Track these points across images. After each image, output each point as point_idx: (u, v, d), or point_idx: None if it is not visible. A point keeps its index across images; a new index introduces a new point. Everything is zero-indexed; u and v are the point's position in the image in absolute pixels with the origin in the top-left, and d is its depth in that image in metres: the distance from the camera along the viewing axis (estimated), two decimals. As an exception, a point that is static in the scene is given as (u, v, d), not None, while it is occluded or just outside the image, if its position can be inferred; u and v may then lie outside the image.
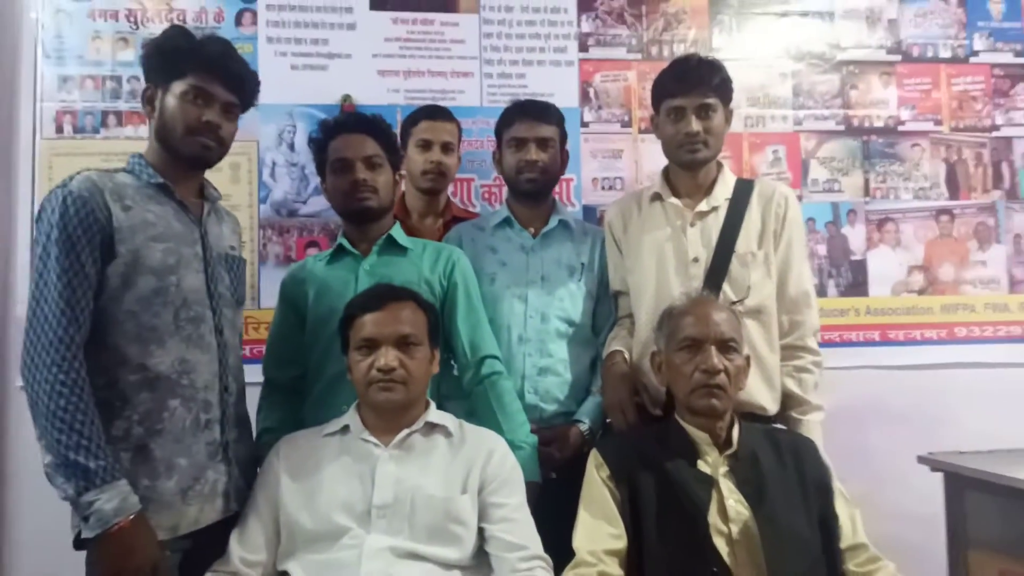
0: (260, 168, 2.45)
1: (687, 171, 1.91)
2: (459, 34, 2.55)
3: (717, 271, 1.82)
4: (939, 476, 2.19)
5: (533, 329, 1.94)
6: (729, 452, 1.55)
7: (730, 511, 1.47)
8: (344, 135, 1.85)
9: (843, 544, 1.49)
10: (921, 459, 2.13)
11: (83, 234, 1.42)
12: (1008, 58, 2.78)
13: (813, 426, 1.80)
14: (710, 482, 1.50)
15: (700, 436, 1.56)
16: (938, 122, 2.74)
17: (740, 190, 1.90)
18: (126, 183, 1.52)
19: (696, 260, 1.85)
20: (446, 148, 2.18)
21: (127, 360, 1.45)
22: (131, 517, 1.36)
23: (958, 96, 2.76)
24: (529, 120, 2.00)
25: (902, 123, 2.73)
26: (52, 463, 1.36)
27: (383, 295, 1.62)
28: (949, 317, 2.69)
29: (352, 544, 1.46)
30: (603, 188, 2.59)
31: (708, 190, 1.91)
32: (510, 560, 1.47)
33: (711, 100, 1.84)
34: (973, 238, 2.73)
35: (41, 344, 1.37)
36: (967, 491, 2.03)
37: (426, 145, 2.16)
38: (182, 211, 1.57)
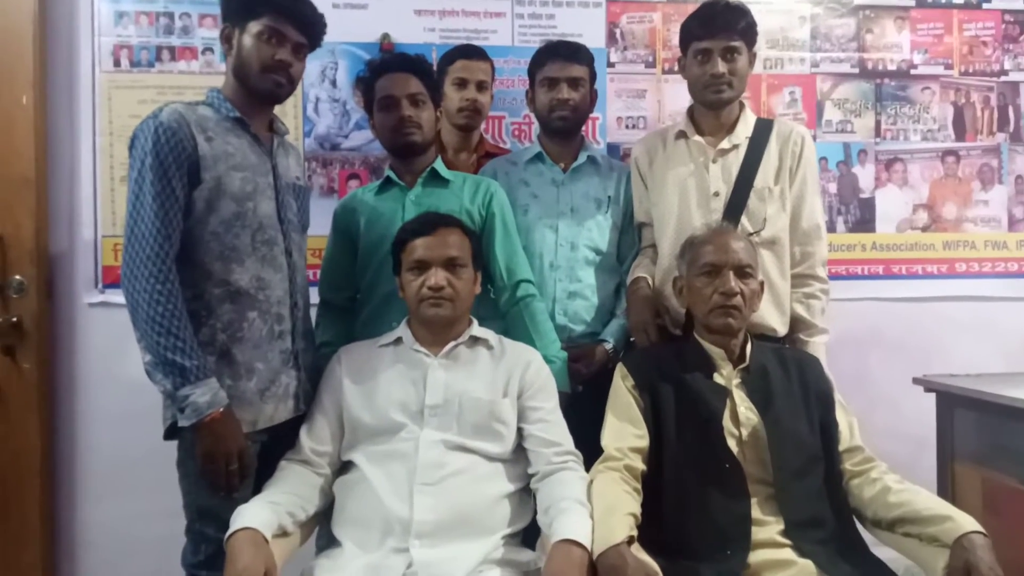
0: (304, 103, 2.60)
1: (711, 110, 2.05)
2: (494, -27, 2.66)
3: (736, 204, 1.99)
4: (931, 399, 2.40)
5: (563, 257, 2.12)
6: (742, 366, 1.74)
7: (741, 417, 1.67)
8: (389, 74, 2.00)
9: (841, 447, 1.69)
10: (916, 380, 2.33)
11: (173, 161, 1.59)
12: (1019, 4, 2.87)
13: (818, 347, 1.98)
14: (724, 392, 1.70)
15: (716, 352, 1.75)
16: (948, 66, 2.85)
17: (760, 129, 2.05)
18: (207, 116, 1.68)
19: (717, 194, 2.01)
20: (480, 86, 2.31)
21: (211, 275, 1.64)
22: (221, 410, 1.57)
23: (969, 41, 2.86)
24: (561, 60, 2.13)
25: (914, 67, 2.84)
26: (152, 362, 1.56)
27: (433, 221, 1.79)
28: (950, 253, 2.86)
29: (408, 437, 1.66)
30: (627, 127, 2.72)
31: (730, 129, 2.05)
32: (546, 454, 1.68)
33: (736, 43, 1.97)
34: (976, 179, 2.87)
35: (140, 258, 1.55)
36: (956, 409, 2.23)
37: (462, 83, 2.30)
38: (256, 143, 1.74)
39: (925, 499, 1.54)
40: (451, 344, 1.77)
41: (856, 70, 2.81)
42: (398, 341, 1.80)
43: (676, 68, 2.68)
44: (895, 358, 2.75)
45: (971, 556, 1.36)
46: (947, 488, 2.24)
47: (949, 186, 2.86)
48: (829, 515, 1.61)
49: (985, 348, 2.79)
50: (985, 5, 2.86)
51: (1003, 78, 2.87)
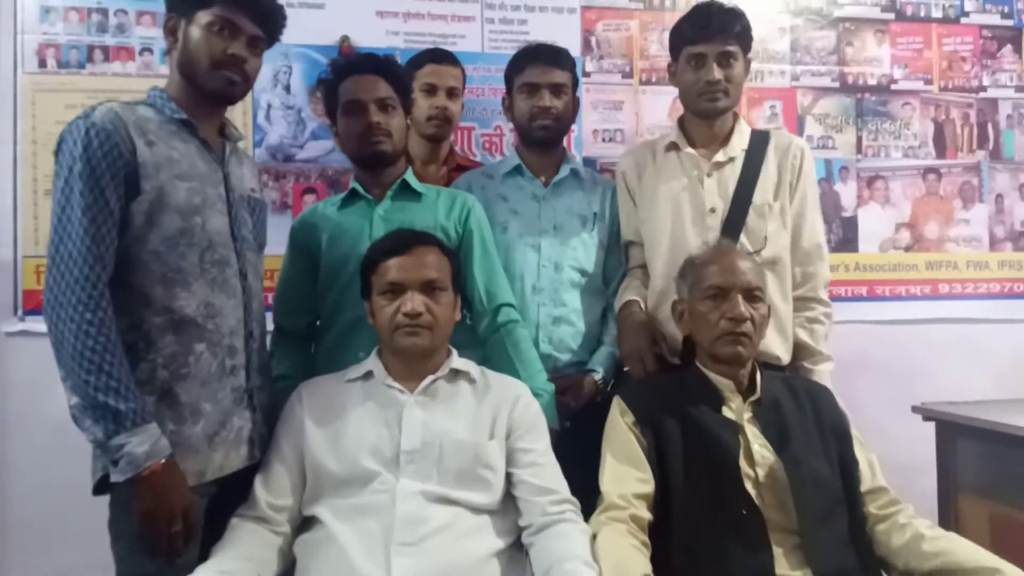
0: (255, 110, 2.37)
1: (704, 120, 1.90)
2: (460, -24, 2.49)
3: (734, 222, 1.83)
4: (921, 425, 2.28)
5: (547, 279, 1.94)
6: (753, 399, 1.57)
7: (756, 455, 1.50)
8: (356, 76, 1.79)
9: (863, 488, 1.53)
10: (915, 409, 2.21)
11: (107, 168, 1.36)
12: (996, 20, 2.83)
13: (823, 376, 1.84)
14: (736, 428, 1.53)
15: (724, 383, 1.58)
16: (928, 81, 2.79)
17: (756, 141, 1.91)
18: (148, 117, 1.45)
19: (713, 211, 1.85)
20: (451, 93, 2.13)
21: (151, 302, 1.40)
22: (162, 461, 1.33)
23: (948, 56, 2.80)
24: (542, 65, 1.96)
25: (894, 81, 2.77)
26: (79, 405, 1.32)
27: (408, 239, 1.59)
28: (933, 274, 2.77)
29: (383, 489, 1.44)
30: (604, 140, 2.57)
31: (724, 140, 1.91)
32: (540, 504, 1.48)
33: (732, 48, 1.83)
34: (958, 197, 2.80)
35: (66, 282, 1.31)
36: (959, 439, 2.11)
37: (431, 90, 2.11)
38: (205, 150, 1.52)
39: (966, 548, 1.39)
40: (429, 379, 1.56)
41: (837, 84, 2.72)
42: (368, 375, 1.59)
43: (654, 79, 2.56)
44: (882, 383, 2.64)
45: (1029, 614, 1.21)
46: (950, 522, 2.12)
47: (931, 204, 2.78)
48: (856, 566, 1.45)
49: (973, 371, 2.70)
50: (963, 20, 2.81)
51: (982, 94, 2.82)
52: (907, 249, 2.76)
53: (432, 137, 2.13)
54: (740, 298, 1.56)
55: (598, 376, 1.90)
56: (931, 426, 2.25)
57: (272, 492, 1.48)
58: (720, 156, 1.88)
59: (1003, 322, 2.82)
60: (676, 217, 1.87)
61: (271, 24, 1.56)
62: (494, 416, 1.55)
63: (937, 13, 2.79)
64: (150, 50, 2.30)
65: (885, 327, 2.74)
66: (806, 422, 1.57)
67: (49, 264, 1.35)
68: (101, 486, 1.39)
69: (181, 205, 1.43)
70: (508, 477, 1.53)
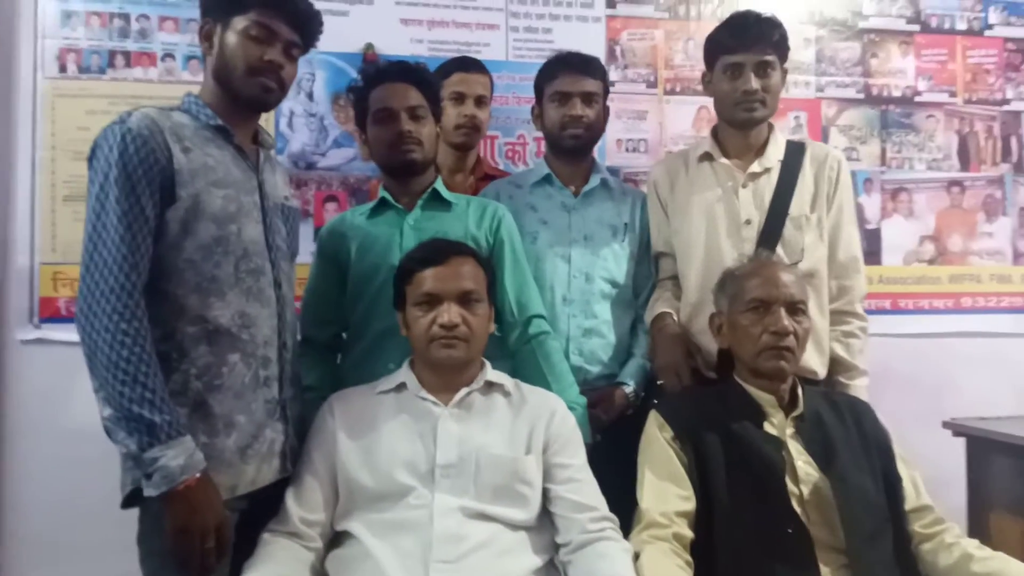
0: (277, 118, 2.34)
1: (739, 130, 1.88)
2: (485, -16, 2.47)
3: (771, 234, 1.80)
4: (943, 439, 2.25)
5: (577, 290, 1.90)
6: (795, 414, 1.54)
7: (800, 472, 1.47)
8: (387, 84, 1.77)
9: (907, 506, 1.50)
10: (945, 424, 2.18)
11: (143, 175, 1.33)
12: (1020, 32, 2.81)
13: (859, 391, 1.81)
14: (779, 444, 1.50)
15: (765, 398, 1.55)
16: (952, 94, 2.77)
17: (792, 152, 1.88)
18: (183, 123, 1.43)
19: (748, 222, 1.82)
20: (480, 102, 2.11)
21: (185, 311, 1.37)
22: (197, 475, 1.29)
23: (972, 68, 2.78)
24: (574, 74, 1.93)
25: (919, 93, 2.75)
26: (113, 416, 1.28)
27: (444, 249, 1.56)
28: (956, 287, 2.75)
29: (418, 504, 1.41)
30: (627, 150, 2.55)
31: (760, 151, 1.88)
32: (580, 521, 1.44)
33: (770, 57, 1.81)
34: (981, 210, 2.78)
35: (100, 291, 1.28)
36: (991, 454, 2.08)
37: (459, 98, 2.09)
38: (240, 157, 1.49)
39: (1017, 569, 1.35)
40: (463, 391, 1.53)
41: (861, 95, 2.70)
42: (401, 387, 1.55)
43: (678, 89, 2.54)
44: (906, 396, 2.58)
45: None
46: (982, 538, 2.06)
47: (955, 217, 2.76)
48: (901, 587, 1.41)
49: (998, 386, 2.67)
50: (987, 32, 2.79)
51: (1005, 107, 2.80)
52: (931, 262, 2.73)
53: (460, 146, 2.10)
54: (783, 311, 1.53)
55: (629, 389, 1.87)
56: (959, 441, 2.22)
57: (304, 507, 1.44)
58: (756, 167, 1.86)
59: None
60: (710, 228, 1.85)
61: (308, 30, 1.53)
62: (531, 430, 1.52)
63: (962, 25, 2.77)
64: (172, 56, 2.28)
65: (908, 340, 2.70)
66: (850, 438, 1.54)
67: (83, 272, 1.32)
68: (130, 499, 1.35)
69: (217, 213, 1.40)
70: (544, 493, 1.49)
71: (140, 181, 1.33)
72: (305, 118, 2.36)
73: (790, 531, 1.40)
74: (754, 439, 1.50)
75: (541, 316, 1.78)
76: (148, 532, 1.35)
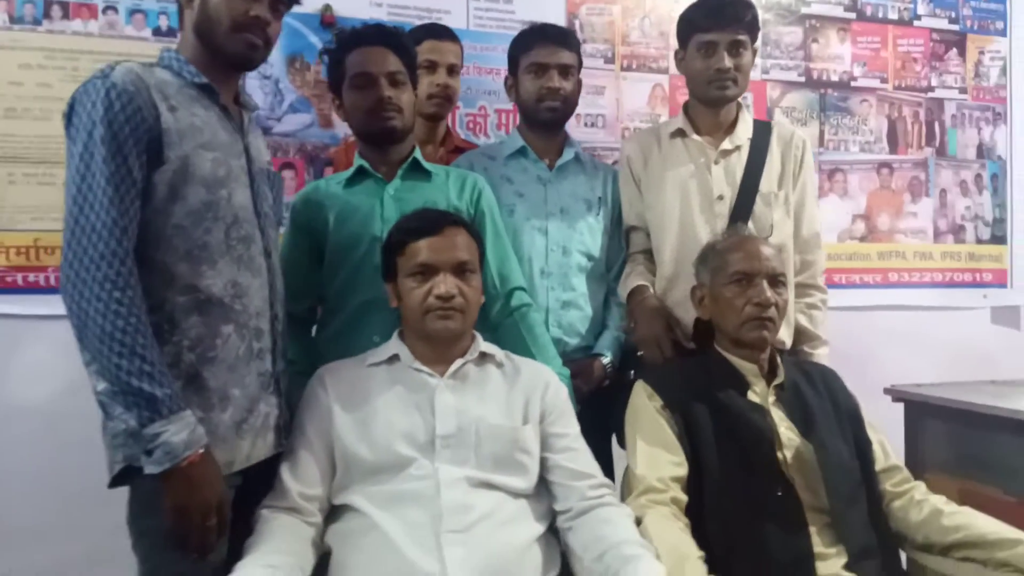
0: (230, 80, 2.23)
1: (711, 108, 1.92)
2: (445, -51, 2.42)
3: (742, 209, 1.87)
4: (878, 405, 2.40)
5: (555, 263, 1.92)
6: (776, 382, 1.61)
7: (783, 438, 1.53)
8: (365, 48, 1.71)
9: (878, 467, 1.60)
10: (886, 390, 2.32)
11: (130, 133, 1.25)
12: (944, 24, 2.99)
13: (822, 359, 1.91)
14: (763, 412, 1.56)
15: (748, 368, 1.61)
16: (884, 80, 2.92)
17: (760, 131, 1.94)
18: (166, 80, 1.34)
19: (721, 198, 1.88)
20: (452, 70, 2.07)
21: (175, 280, 1.30)
22: (200, 451, 1.24)
23: (902, 56, 2.95)
24: (551, 45, 1.93)
25: (854, 79, 2.89)
26: (108, 391, 1.21)
27: (438, 219, 1.53)
28: (884, 263, 2.92)
29: (421, 475, 1.40)
30: (586, 125, 2.56)
31: (729, 129, 1.94)
32: (579, 488, 1.46)
33: (743, 37, 1.85)
34: (907, 191, 2.95)
35: (89, 257, 1.20)
36: (926, 419, 2.24)
37: (431, 66, 2.04)
38: (225, 118, 1.41)
39: (986, 522, 1.46)
40: (458, 362, 1.52)
41: (803, 79, 2.82)
42: (393, 359, 1.53)
43: (634, 66, 2.58)
44: (841, 366, 2.71)
45: (1056, 582, 1.30)
46: (918, 498, 2.23)
47: (883, 197, 2.93)
48: (877, 543, 1.51)
49: (917, 357, 2.86)
50: (916, 23, 2.95)
51: (930, 94, 2.97)
52: (862, 239, 2.89)
53: (432, 116, 2.06)
54: (765, 283, 1.59)
55: (606, 360, 1.91)
56: (896, 408, 2.37)
57: (302, 481, 1.41)
58: (727, 144, 1.91)
59: (944, 309, 3.00)
60: (684, 203, 1.89)
61: None
62: (526, 401, 1.53)
63: (893, 15, 2.93)
64: (114, 8, 2.13)
65: (842, 313, 2.84)
66: (824, 405, 1.62)
67: (67, 238, 1.23)
68: (120, 478, 1.28)
69: (207, 176, 1.33)
70: (542, 462, 1.50)
71: (127, 141, 1.24)
72: (259, 81, 2.26)
73: (779, 494, 1.47)
74: (741, 407, 1.56)
75: (522, 288, 1.79)
76: (141, 512, 1.28)
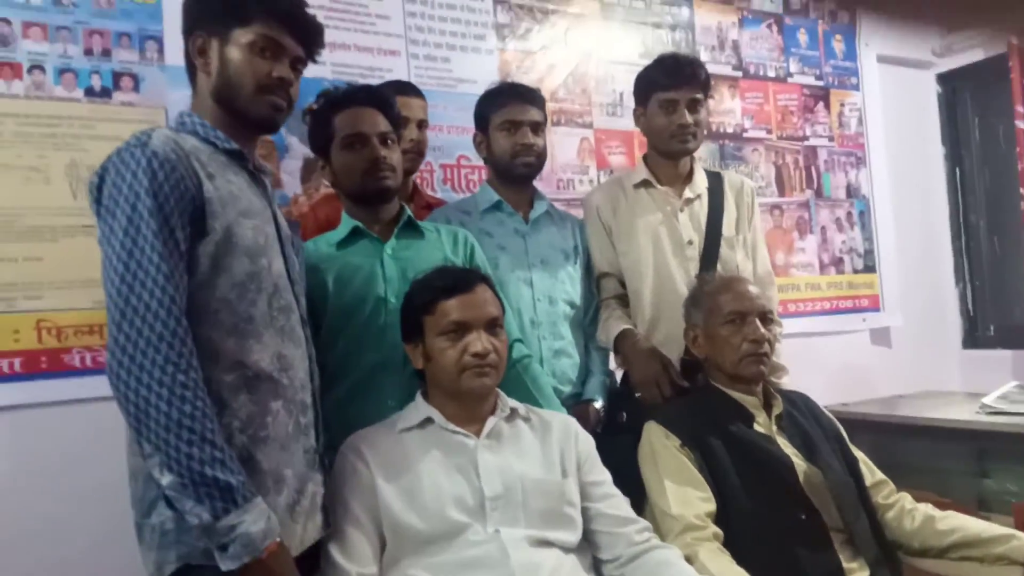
0: (171, 140, 2.09)
1: (670, 160, 2.06)
2: (383, 9, 2.42)
3: (710, 253, 2.00)
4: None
5: (543, 312, 1.95)
6: (777, 412, 1.73)
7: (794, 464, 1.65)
8: (355, 108, 1.70)
9: (868, 483, 1.74)
10: (821, 410, 2.53)
11: (175, 205, 1.17)
12: (811, 80, 3.37)
13: (786, 386, 2.05)
14: (772, 441, 1.67)
15: (749, 401, 1.72)
16: (769, 131, 3.23)
17: (713, 180, 2.10)
18: (197, 147, 1.26)
19: (691, 243, 2.01)
20: (421, 125, 2.07)
21: (221, 356, 1.21)
22: (277, 539, 1.15)
23: (781, 110, 3.28)
24: (522, 103, 1.99)
25: (745, 130, 3.17)
26: (175, 484, 1.10)
27: (468, 276, 1.53)
28: (783, 295, 3.18)
29: (481, 540, 1.37)
30: (521, 177, 2.63)
31: (687, 179, 2.08)
32: (626, 534, 1.49)
33: (699, 95, 2.01)
34: (795, 229, 3.26)
35: (146, 340, 1.10)
36: (855, 435, 2.45)
37: (402, 122, 2.03)
38: (254, 183, 1.34)
39: (975, 522, 1.64)
40: (492, 420, 1.51)
41: (705, 131, 3.04)
42: (425, 422, 1.49)
43: (563, 120, 2.69)
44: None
45: (1050, 567, 1.48)
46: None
47: (777, 236, 3.21)
48: (881, 553, 1.64)
49: (812, 379, 3.11)
50: (790, 79, 3.30)
51: (806, 142, 3.32)
52: (763, 275, 3.14)
53: (405, 171, 2.03)
54: (758, 321, 1.72)
55: (599, 405, 1.95)
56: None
57: (357, 561, 1.34)
58: (688, 193, 2.05)
59: (831, 334, 3.32)
60: (657, 249, 2.00)
61: (313, 42, 1.43)
62: (561, 452, 1.54)
63: (772, 73, 3.26)
64: (41, 67, 1.94)
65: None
66: (815, 429, 1.76)
67: (117, 319, 1.12)
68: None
69: (249, 246, 1.26)
70: (583, 512, 1.52)
71: (173, 212, 1.16)
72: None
73: (803, 517, 1.57)
74: (753, 439, 1.66)
75: (520, 340, 1.80)
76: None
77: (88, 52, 1.99)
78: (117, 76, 2.02)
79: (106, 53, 2.01)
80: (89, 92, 1.99)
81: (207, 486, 1.09)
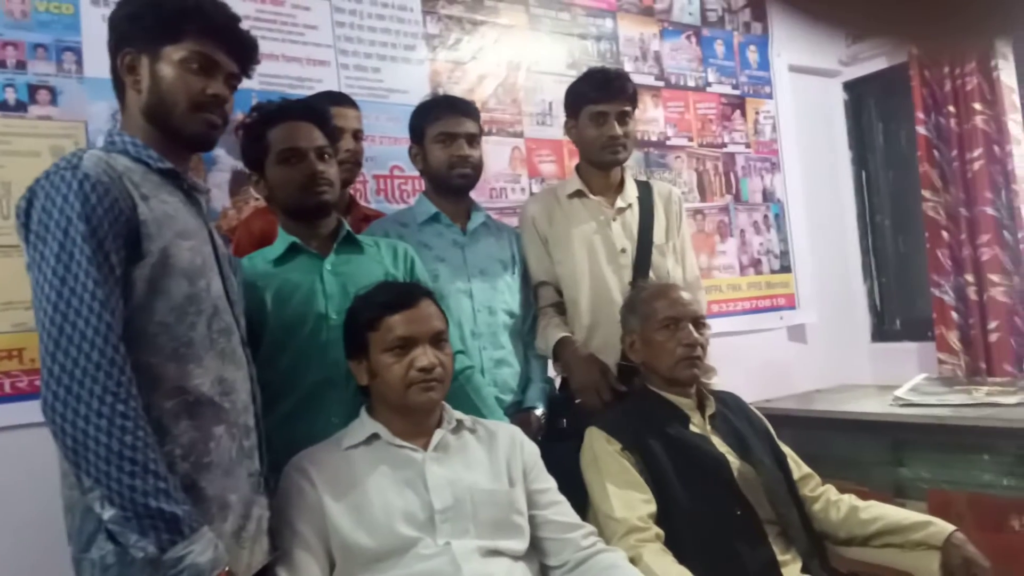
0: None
1: (602, 171, 2.11)
2: (311, 19, 2.39)
3: (643, 260, 2.06)
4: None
5: (483, 323, 1.97)
6: (710, 413, 1.80)
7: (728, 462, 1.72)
8: (290, 123, 1.68)
9: (796, 476, 1.83)
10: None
11: (109, 228, 1.15)
12: (728, 89, 3.50)
13: (716, 386, 2.12)
14: (707, 440, 1.74)
15: (685, 403, 1.79)
16: (690, 139, 3.34)
17: (643, 189, 2.17)
18: (130, 167, 1.23)
19: (624, 251, 2.06)
20: (356, 135, 2.06)
21: (160, 382, 1.19)
22: (226, 569, 1.13)
23: (701, 118, 3.39)
24: (458, 115, 2.01)
25: (668, 138, 3.27)
26: (118, 517, 1.08)
27: (411, 291, 1.54)
28: (707, 296, 3.28)
29: (431, 553, 1.38)
30: (454, 186, 2.64)
31: (618, 188, 2.14)
32: (573, 539, 1.52)
33: (629, 107, 2.07)
34: (716, 233, 3.38)
35: (82, 369, 1.07)
36: (781, 430, 2.56)
37: (338, 133, 2.02)
38: (189, 203, 1.32)
39: (895, 511, 1.74)
40: (439, 433, 1.53)
41: (634, 142, 3.12)
42: (372, 438, 1.49)
43: (494, 131, 2.72)
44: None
45: (965, 550, 1.58)
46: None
47: (700, 239, 3.32)
48: (811, 544, 1.73)
49: (734, 377, 3.23)
50: (708, 89, 3.42)
51: (724, 149, 3.45)
52: (688, 278, 3.25)
53: (342, 182, 2.02)
54: (691, 326, 1.79)
55: (540, 412, 1.98)
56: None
57: (307, 583, 1.32)
58: (620, 202, 2.11)
59: (751, 332, 3.45)
60: (592, 257, 2.05)
61: (247, 57, 1.41)
62: (507, 461, 1.56)
63: (692, 83, 3.36)
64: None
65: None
66: (746, 427, 1.84)
67: (51, 349, 1.09)
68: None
69: (187, 268, 1.24)
70: (530, 520, 1.54)
71: (107, 236, 1.14)
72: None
73: (739, 513, 1.64)
74: (689, 439, 1.72)
75: (462, 352, 1.82)
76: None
77: (2, 64, 1.90)
78: (33, 89, 1.94)
79: (21, 65, 1.93)
80: (3, 106, 1.90)
81: (152, 518, 1.07)
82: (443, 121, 1.99)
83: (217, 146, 2.15)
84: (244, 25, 2.02)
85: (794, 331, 3.64)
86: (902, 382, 2.92)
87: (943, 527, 1.64)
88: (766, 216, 3.56)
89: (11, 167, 1.88)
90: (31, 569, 1.75)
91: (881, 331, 3.87)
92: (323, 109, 1.75)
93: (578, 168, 2.17)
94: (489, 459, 1.55)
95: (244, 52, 1.39)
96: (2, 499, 1.81)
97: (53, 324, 1.08)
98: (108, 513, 1.08)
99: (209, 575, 1.10)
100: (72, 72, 2.00)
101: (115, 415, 1.07)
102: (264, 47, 2.20)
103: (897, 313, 3.85)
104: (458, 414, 1.60)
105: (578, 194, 2.11)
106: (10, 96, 1.91)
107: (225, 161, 2.21)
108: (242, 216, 2.17)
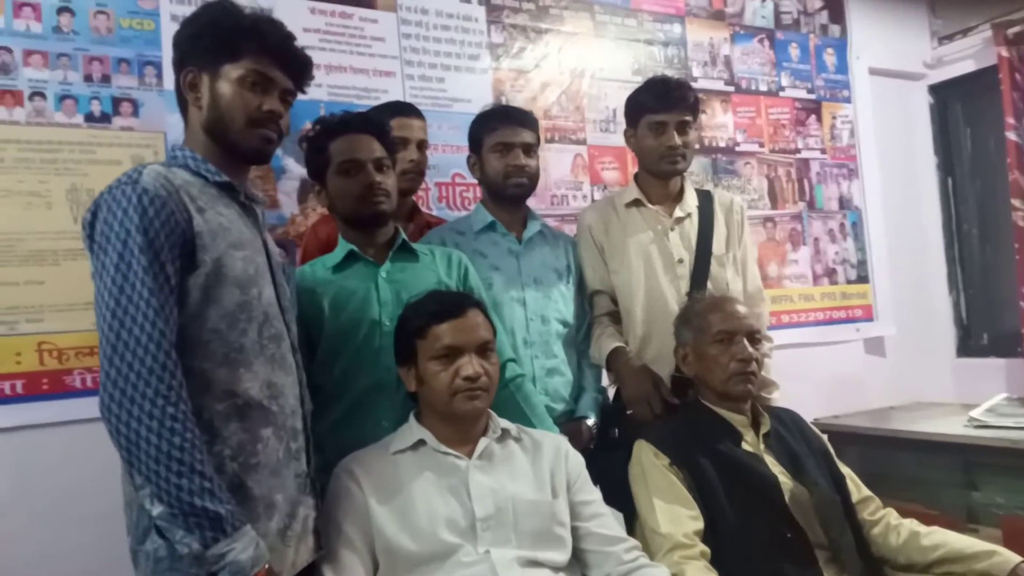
0: (169, 164, 2.13)
1: (661, 180, 2.09)
2: (378, 31, 2.46)
3: (701, 271, 2.03)
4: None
5: (536, 332, 1.98)
6: (764, 431, 1.76)
7: (780, 482, 1.68)
8: (350, 135, 1.73)
9: (855, 499, 1.77)
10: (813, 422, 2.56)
11: (165, 240, 1.20)
12: (803, 94, 3.40)
13: (776, 402, 2.08)
14: (760, 459, 1.70)
15: (737, 419, 1.75)
16: (761, 144, 3.27)
17: (703, 199, 2.13)
18: (188, 180, 1.30)
19: (681, 261, 2.04)
20: (420, 146, 2.10)
21: (211, 386, 1.25)
22: (266, 566, 1.18)
23: (773, 123, 3.31)
24: (515, 125, 2.02)
25: (737, 144, 3.21)
26: (166, 514, 1.14)
27: (458, 301, 1.57)
28: (776, 307, 3.22)
29: (471, 561, 1.40)
30: (516, 194, 2.66)
31: (677, 198, 2.11)
32: (615, 553, 1.52)
33: (689, 117, 2.04)
34: (788, 241, 3.30)
35: (136, 373, 1.13)
36: (844, 446, 2.49)
37: (402, 143, 2.06)
38: (245, 215, 1.38)
39: (959, 538, 1.67)
40: (483, 441, 1.55)
41: (697, 146, 3.08)
42: (418, 444, 1.53)
43: (556, 138, 2.73)
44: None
45: (1031, 583, 1.51)
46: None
47: (770, 248, 3.24)
48: (866, 569, 1.67)
49: (806, 390, 3.14)
50: (782, 93, 3.34)
51: (798, 155, 3.36)
52: (757, 287, 3.18)
53: (404, 191, 2.07)
54: (746, 340, 1.75)
55: (591, 422, 1.98)
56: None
57: (351, 583, 1.37)
58: (679, 212, 2.08)
59: (825, 345, 3.35)
60: (648, 268, 2.03)
61: (302, 75, 1.46)
62: (551, 472, 1.57)
63: (764, 87, 3.29)
64: (42, 94, 1.98)
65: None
66: (802, 447, 1.79)
67: (109, 354, 1.15)
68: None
69: (239, 276, 1.30)
70: (573, 531, 1.55)
71: (163, 248, 1.20)
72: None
73: (789, 535, 1.60)
74: (741, 458, 1.69)
75: (514, 360, 1.84)
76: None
77: (88, 78, 2.03)
78: (116, 101, 2.06)
79: (105, 79, 2.05)
80: (89, 118, 2.03)
81: (196, 516, 1.13)
82: (500, 131, 2.01)
83: (286, 156, 2.28)
84: (314, 38, 2.10)
85: (871, 344, 3.51)
86: (987, 400, 2.79)
87: (1009, 557, 1.56)
88: (842, 224, 3.45)
89: (95, 175, 2.01)
90: (109, 561, 1.85)
91: (967, 346, 3.70)
92: (381, 121, 1.80)
93: (637, 177, 2.16)
94: (533, 469, 1.56)
95: (299, 69, 1.44)
96: (81, 492, 1.92)
97: (111, 330, 1.15)
98: (157, 510, 1.14)
99: (249, 571, 1.15)
100: (153, 85, 2.12)
101: (165, 417, 1.13)
102: (332, 59, 2.33)
103: (984, 327, 3.66)
104: (504, 423, 1.61)
105: (636, 203, 2.10)
106: (95, 108, 2.04)
107: (294, 170, 2.30)
108: (309, 222, 2.24)
